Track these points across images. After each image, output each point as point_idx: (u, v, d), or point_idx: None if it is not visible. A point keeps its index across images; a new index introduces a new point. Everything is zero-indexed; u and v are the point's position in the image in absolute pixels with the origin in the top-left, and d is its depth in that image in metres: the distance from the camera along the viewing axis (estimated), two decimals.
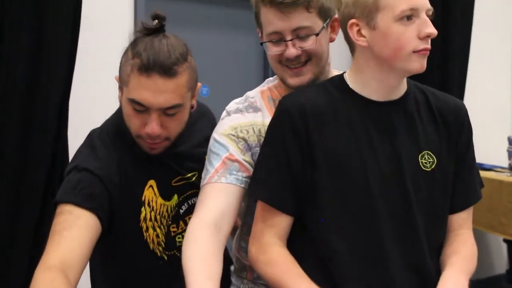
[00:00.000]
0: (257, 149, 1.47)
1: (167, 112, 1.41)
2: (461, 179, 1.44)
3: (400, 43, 1.29)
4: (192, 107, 1.50)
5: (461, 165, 1.43)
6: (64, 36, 2.52)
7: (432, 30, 1.28)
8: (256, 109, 1.54)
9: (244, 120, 1.51)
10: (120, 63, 1.45)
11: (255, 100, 1.56)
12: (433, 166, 1.38)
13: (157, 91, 1.37)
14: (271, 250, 1.36)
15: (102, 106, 2.80)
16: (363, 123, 1.36)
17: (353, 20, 1.34)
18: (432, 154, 1.38)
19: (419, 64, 1.31)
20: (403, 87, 1.41)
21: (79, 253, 1.30)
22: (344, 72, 1.46)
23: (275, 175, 1.37)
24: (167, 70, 1.36)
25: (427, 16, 1.29)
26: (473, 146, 1.47)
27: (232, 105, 1.56)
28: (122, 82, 1.43)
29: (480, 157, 1.99)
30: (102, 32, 2.88)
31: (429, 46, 1.30)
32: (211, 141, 1.50)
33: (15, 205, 2.48)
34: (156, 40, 1.40)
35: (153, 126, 1.40)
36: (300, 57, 1.45)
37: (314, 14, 1.42)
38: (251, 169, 1.45)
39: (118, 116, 1.53)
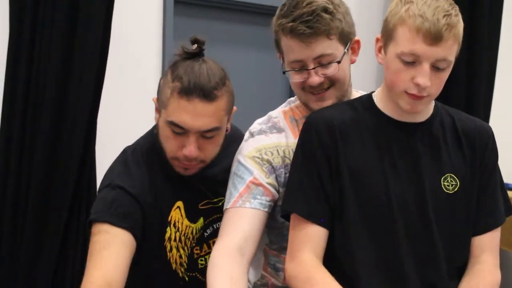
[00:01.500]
0: (282, 170, 1.49)
1: (205, 135, 1.43)
2: (485, 201, 1.43)
3: (394, 79, 1.31)
4: (226, 130, 1.53)
5: (485, 187, 1.43)
6: (93, 52, 2.55)
7: (421, 82, 1.27)
8: (279, 130, 1.55)
9: (268, 142, 1.52)
10: (159, 86, 1.48)
11: (278, 120, 1.57)
12: (455, 189, 1.38)
13: (197, 115, 1.40)
14: (309, 267, 1.35)
15: (129, 122, 2.86)
16: (388, 143, 1.38)
17: (378, 36, 1.37)
18: (455, 177, 1.39)
19: (409, 106, 1.32)
20: (429, 109, 1.42)
21: (120, 272, 1.34)
22: (373, 92, 1.47)
23: (307, 188, 1.38)
24: (207, 94, 1.39)
25: (437, 66, 1.27)
26: (498, 169, 1.47)
27: (256, 126, 1.57)
28: (161, 105, 1.46)
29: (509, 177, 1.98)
30: (131, 49, 2.93)
31: (420, 94, 1.29)
32: (235, 163, 1.51)
33: (41, 219, 2.50)
34: (196, 64, 1.43)
35: (191, 149, 1.43)
36: (323, 84, 1.46)
37: (335, 41, 1.44)
38: (275, 193, 1.47)
39: (152, 135, 1.56)
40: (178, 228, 1.53)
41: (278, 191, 1.49)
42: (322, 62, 1.44)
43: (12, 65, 2.47)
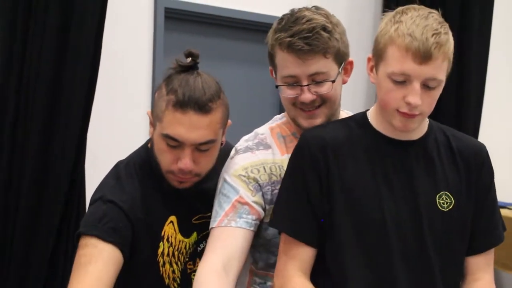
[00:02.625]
0: (268, 188, 1.49)
1: (200, 148, 1.43)
2: (482, 221, 1.42)
3: (386, 99, 1.31)
4: (221, 143, 1.52)
5: (481, 207, 1.42)
6: (84, 68, 2.56)
7: (412, 101, 1.27)
8: (266, 146, 1.54)
9: (254, 159, 1.51)
10: (153, 100, 1.47)
11: (265, 137, 1.56)
12: (450, 207, 1.38)
13: (192, 127, 1.39)
14: (295, 283, 1.35)
15: (119, 137, 2.84)
16: (381, 160, 1.37)
17: (370, 55, 1.37)
18: (450, 195, 1.38)
19: (402, 124, 1.32)
20: (423, 127, 1.42)
21: (104, 287, 1.31)
22: (368, 110, 1.47)
23: (296, 206, 1.38)
24: (202, 106, 1.39)
25: (427, 84, 1.27)
26: (494, 188, 1.46)
27: (242, 143, 1.57)
28: (156, 118, 1.45)
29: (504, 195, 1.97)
30: (122, 64, 2.93)
31: (411, 112, 1.29)
32: (221, 182, 1.50)
33: (30, 236, 2.49)
34: (190, 77, 1.43)
35: (186, 162, 1.42)
36: (314, 101, 1.46)
37: (331, 60, 1.44)
38: (261, 211, 1.46)
39: (145, 149, 1.55)
40: (172, 243, 1.52)
41: (264, 209, 1.49)
42: (316, 79, 1.44)
43: (2, 77, 2.47)
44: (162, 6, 3.07)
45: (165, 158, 1.45)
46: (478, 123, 3.62)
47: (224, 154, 1.59)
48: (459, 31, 3.37)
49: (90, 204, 1.48)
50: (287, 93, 1.47)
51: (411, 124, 1.32)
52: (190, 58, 1.47)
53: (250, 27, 3.38)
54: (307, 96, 1.44)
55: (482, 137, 3.72)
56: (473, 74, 3.51)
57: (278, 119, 1.63)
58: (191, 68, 1.46)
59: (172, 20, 3.16)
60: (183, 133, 1.39)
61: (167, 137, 1.41)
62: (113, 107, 2.87)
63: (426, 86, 1.28)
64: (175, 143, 1.41)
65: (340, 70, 1.47)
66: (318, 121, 1.48)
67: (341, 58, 1.47)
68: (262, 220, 1.50)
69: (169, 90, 1.41)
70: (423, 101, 1.28)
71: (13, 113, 2.47)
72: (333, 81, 1.45)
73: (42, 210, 2.51)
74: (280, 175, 1.49)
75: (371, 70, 1.37)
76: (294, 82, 1.45)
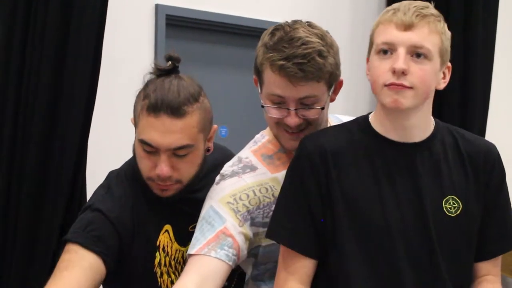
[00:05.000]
0: (259, 211, 1.43)
1: (176, 153, 1.39)
2: (493, 225, 1.39)
3: (375, 76, 1.29)
4: (208, 150, 1.48)
5: (492, 210, 1.38)
6: (84, 74, 2.54)
7: (396, 65, 1.24)
8: (253, 168, 1.48)
9: (242, 184, 1.45)
10: (134, 105, 1.45)
11: (249, 160, 1.50)
12: (458, 212, 1.34)
13: (165, 131, 1.36)
14: None
15: (120, 145, 2.81)
16: (385, 165, 1.33)
17: (367, 57, 1.35)
18: (457, 199, 1.34)
19: (391, 99, 1.26)
20: (428, 129, 1.37)
21: None
22: (370, 113, 1.43)
23: (295, 218, 1.34)
24: (175, 110, 1.35)
25: (416, 52, 1.25)
26: (506, 190, 1.42)
27: (227, 169, 1.50)
28: (135, 124, 1.43)
29: None
30: (122, 71, 2.91)
31: (398, 82, 1.25)
32: (206, 207, 1.43)
33: (30, 244, 2.47)
34: (167, 81, 1.40)
35: (162, 168, 1.38)
36: (300, 125, 1.42)
37: (322, 84, 1.39)
38: (243, 246, 1.40)
39: (135, 158, 1.52)
40: (168, 252, 1.49)
41: (250, 240, 1.42)
42: (304, 102, 1.39)
43: (1, 84, 2.45)
44: (163, 13, 3.07)
45: (143, 165, 1.42)
46: (484, 123, 3.59)
47: (218, 161, 1.56)
48: (463, 29, 3.34)
49: (80, 213, 1.46)
50: (273, 113, 1.42)
51: (401, 99, 1.26)
52: (170, 62, 1.43)
53: (253, 34, 3.35)
54: (294, 120, 1.40)
55: (489, 136, 3.68)
56: (478, 74, 3.48)
57: (259, 140, 1.56)
58: (170, 72, 1.43)
59: (173, 27, 3.15)
60: (156, 138, 1.36)
61: (142, 142, 1.38)
62: (114, 115, 2.85)
63: (415, 56, 1.25)
64: (150, 149, 1.38)
65: (330, 93, 1.43)
66: None
67: (333, 81, 1.43)
68: (259, 245, 1.46)
69: (144, 95, 1.39)
70: (411, 71, 1.24)
71: (12, 121, 2.45)
72: (323, 108, 1.41)
73: (41, 225, 2.49)
74: (272, 194, 1.44)
75: (369, 70, 1.34)
76: (280, 101, 1.40)
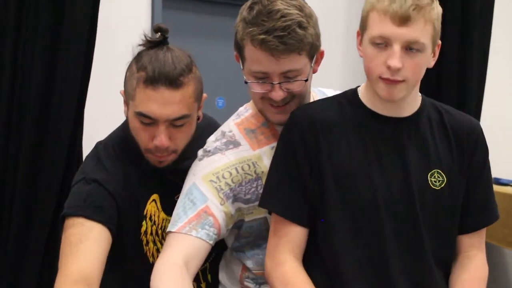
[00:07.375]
0: (242, 188, 1.44)
1: (174, 123, 1.41)
2: (476, 199, 1.41)
3: (370, 66, 1.29)
4: (198, 118, 1.50)
5: (476, 184, 1.41)
6: (80, 42, 2.52)
7: (392, 63, 1.25)
8: (236, 144, 1.48)
9: (225, 161, 1.45)
10: (125, 78, 1.45)
11: (233, 134, 1.50)
12: (442, 185, 1.36)
13: (164, 103, 1.37)
14: (285, 267, 1.34)
15: (117, 112, 2.81)
16: (373, 138, 1.36)
17: (358, 30, 1.35)
18: (442, 173, 1.37)
19: (385, 92, 1.29)
20: (415, 104, 1.39)
21: (97, 266, 1.32)
22: (359, 86, 1.45)
23: (286, 186, 1.36)
24: (173, 81, 1.37)
25: (410, 47, 1.25)
26: (489, 166, 1.44)
27: (210, 144, 1.49)
28: (128, 97, 1.44)
29: (497, 171, 1.95)
30: (119, 42, 2.89)
31: (393, 78, 1.27)
32: (189, 183, 1.44)
33: (26, 223, 2.48)
34: (160, 52, 1.40)
35: (161, 138, 1.40)
36: (285, 98, 1.41)
37: (304, 56, 1.38)
38: (223, 225, 1.40)
39: (124, 129, 1.53)
40: (154, 221, 1.51)
41: (231, 218, 1.44)
42: (288, 76, 1.38)
43: None
44: None
45: (141, 137, 1.43)
46: (481, 94, 3.58)
47: (204, 130, 1.57)
48: (460, 21, 3.32)
49: (72, 186, 1.47)
50: (256, 89, 1.42)
51: (395, 92, 1.29)
52: (159, 33, 1.44)
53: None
54: (278, 94, 1.40)
55: (485, 114, 3.69)
56: (474, 64, 3.46)
57: (243, 113, 1.56)
58: (161, 43, 1.44)
59: None
60: (155, 110, 1.38)
61: (140, 115, 1.40)
62: (109, 88, 2.82)
63: (409, 49, 1.26)
64: (148, 121, 1.40)
65: (312, 64, 1.42)
66: (288, 115, 1.42)
67: (314, 52, 1.42)
68: (243, 220, 1.48)
69: (139, 67, 1.39)
70: (405, 66, 1.26)
71: (7, 100, 2.44)
72: (306, 80, 1.40)
73: (36, 203, 2.48)
74: (255, 171, 1.46)
75: (360, 44, 1.35)
76: (264, 77, 1.39)
